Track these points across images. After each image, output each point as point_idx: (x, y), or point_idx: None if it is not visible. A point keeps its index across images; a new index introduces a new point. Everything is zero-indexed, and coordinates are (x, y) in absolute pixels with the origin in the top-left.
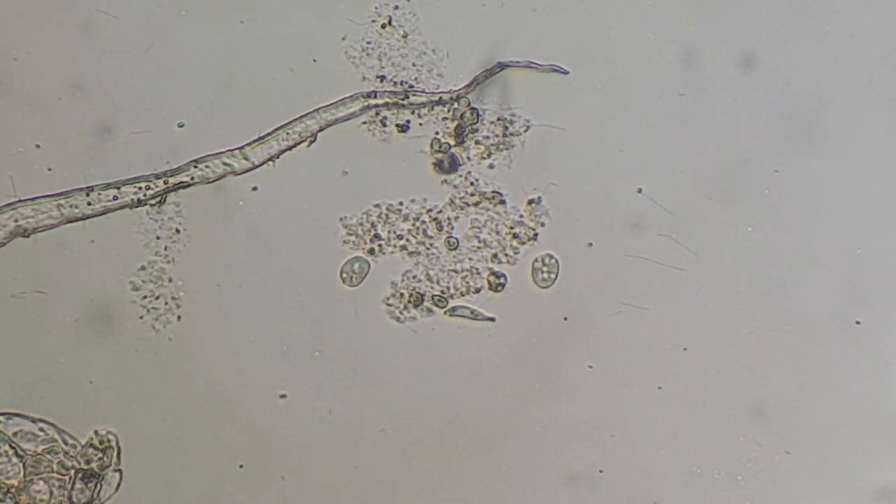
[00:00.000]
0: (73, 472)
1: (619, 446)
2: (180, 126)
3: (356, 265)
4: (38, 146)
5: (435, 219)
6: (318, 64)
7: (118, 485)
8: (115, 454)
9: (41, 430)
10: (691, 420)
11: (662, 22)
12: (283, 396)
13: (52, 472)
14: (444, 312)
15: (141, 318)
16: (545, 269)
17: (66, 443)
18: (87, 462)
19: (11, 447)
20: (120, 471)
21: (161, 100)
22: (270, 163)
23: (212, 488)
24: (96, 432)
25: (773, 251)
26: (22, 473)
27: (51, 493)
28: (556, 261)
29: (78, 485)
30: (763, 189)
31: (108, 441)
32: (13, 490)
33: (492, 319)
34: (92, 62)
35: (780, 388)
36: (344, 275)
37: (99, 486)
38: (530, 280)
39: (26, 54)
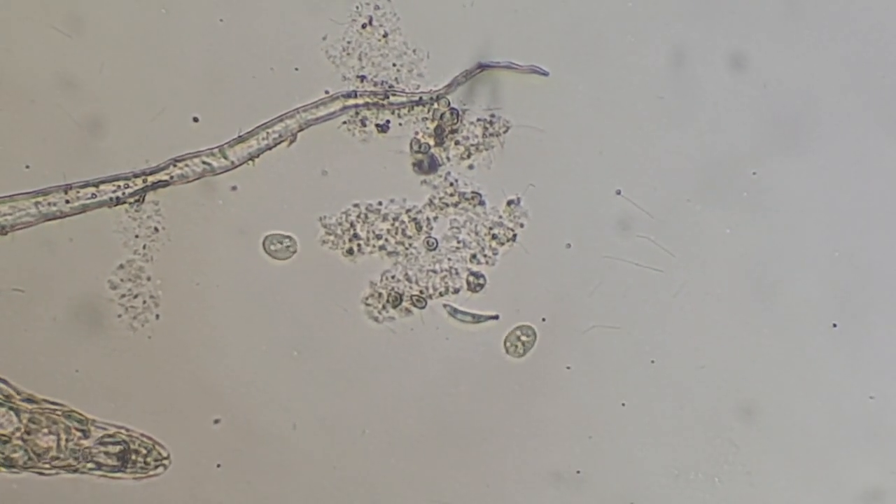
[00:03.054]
0: (121, 436)
1: (597, 447)
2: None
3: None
4: None
5: (414, 219)
6: (298, 63)
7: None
8: (147, 473)
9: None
10: (669, 421)
11: (644, 23)
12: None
13: (55, 423)
14: (445, 308)
15: (119, 316)
16: (524, 338)
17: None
18: (134, 451)
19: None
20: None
21: (140, 98)
22: (250, 162)
23: (190, 487)
24: (161, 454)
25: (751, 253)
26: (15, 418)
27: (58, 442)
28: (535, 335)
29: (112, 450)
30: (742, 191)
31: (157, 463)
32: (15, 436)
33: (495, 318)
34: (69, 60)
35: (758, 390)
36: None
37: (121, 469)
38: (502, 347)
39: (4, 51)
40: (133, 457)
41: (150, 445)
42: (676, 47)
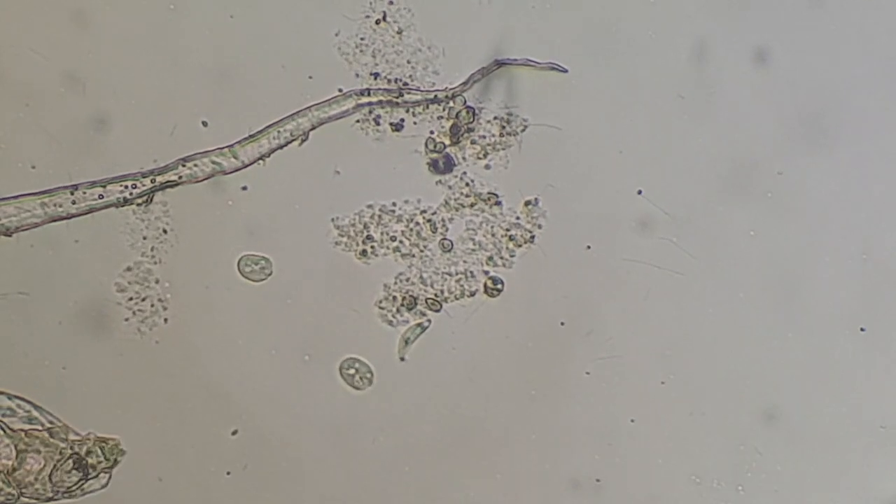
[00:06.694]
0: (68, 452)
1: (617, 454)
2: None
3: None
4: None
5: (429, 220)
6: (310, 60)
7: (106, 483)
8: (114, 466)
9: (18, 406)
10: (690, 428)
11: (665, 19)
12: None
13: (45, 446)
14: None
15: (126, 320)
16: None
17: (51, 422)
18: (87, 453)
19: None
20: (110, 474)
21: (148, 96)
22: (261, 162)
23: (199, 494)
24: (117, 443)
25: (776, 256)
26: (14, 452)
27: (44, 464)
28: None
29: (67, 467)
30: (766, 192)
31: (117, 455)
32: (7, 470)
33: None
34: (77, 57)
35: (781, 396)
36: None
37: (85, 480)
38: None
39: (9, 48)
40: (88, 460)
41: (99, 444)
42: (698, 43)
